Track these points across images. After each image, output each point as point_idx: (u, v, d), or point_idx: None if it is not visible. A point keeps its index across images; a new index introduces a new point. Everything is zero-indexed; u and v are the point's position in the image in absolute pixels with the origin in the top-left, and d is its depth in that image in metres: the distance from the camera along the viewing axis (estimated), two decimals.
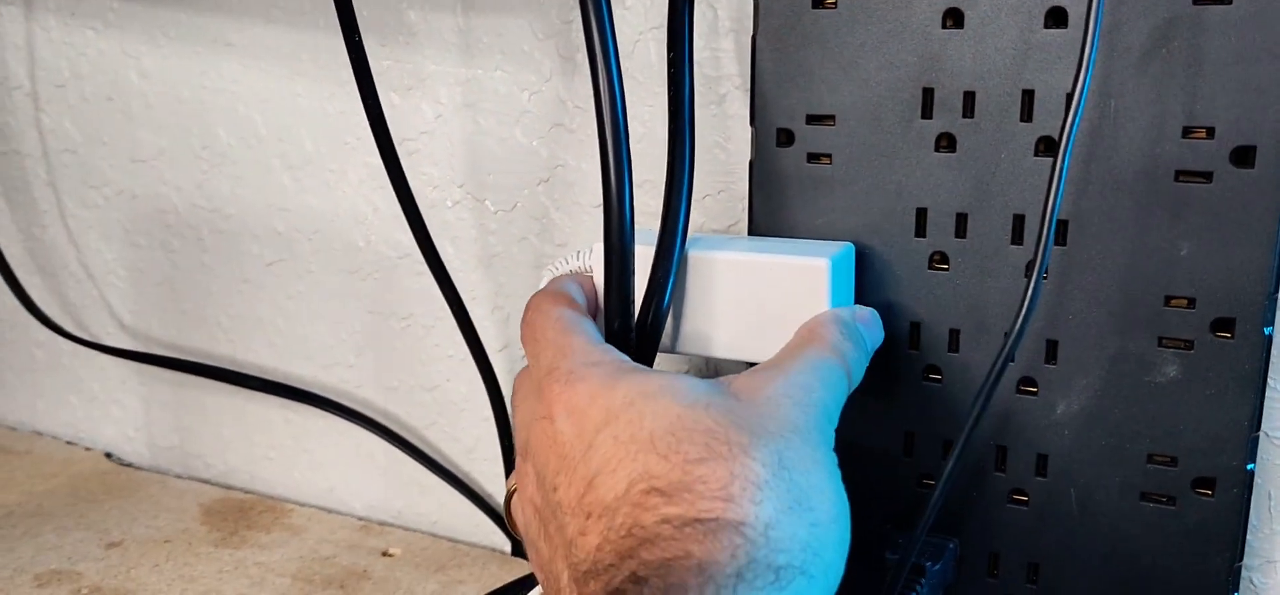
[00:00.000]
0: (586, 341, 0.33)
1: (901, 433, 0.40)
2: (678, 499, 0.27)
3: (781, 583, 0.26)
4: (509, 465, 0.53)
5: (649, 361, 0.37)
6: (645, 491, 0.27)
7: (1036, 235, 0.33)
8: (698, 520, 0.26)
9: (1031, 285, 0.33)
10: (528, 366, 0.35)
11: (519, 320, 0.51)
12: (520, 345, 0.52)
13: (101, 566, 0.54)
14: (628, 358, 0.33)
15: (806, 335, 0.34)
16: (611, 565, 0.27)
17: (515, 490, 0.35)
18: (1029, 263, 0.36)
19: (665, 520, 0.26)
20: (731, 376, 0.32)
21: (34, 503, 0.60)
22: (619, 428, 0.29)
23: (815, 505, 0.28)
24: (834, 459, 0.30)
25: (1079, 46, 0.32)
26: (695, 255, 0.37)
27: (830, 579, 0.28)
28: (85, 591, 0.51)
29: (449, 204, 0.51)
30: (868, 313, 0.37)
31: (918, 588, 0.39)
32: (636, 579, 0.26)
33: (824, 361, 0.33)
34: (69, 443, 0.69)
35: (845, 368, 0.33)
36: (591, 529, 0.28)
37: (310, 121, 0.54)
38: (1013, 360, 0.35)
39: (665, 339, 0.38)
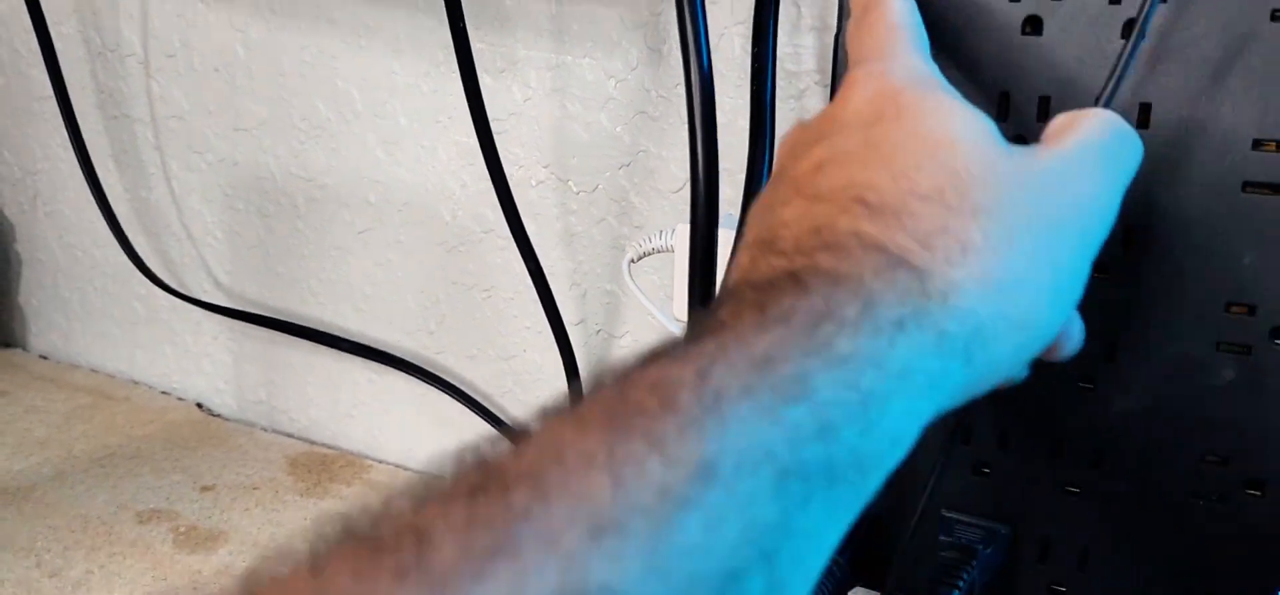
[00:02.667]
0: (915, 55, 0.30)
1: (951, 419, 0.42)
2: (878, 219, 0.24)
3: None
4: None
5: None
6: (855, 198, 0.25)
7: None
8: (883, 250, 0.24)
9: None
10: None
11: (594, 297, 0.54)
12: (593, 322, 0.54)
13: (196, 508, 0.57)
14: (943, 79, 0.29)
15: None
16: (783, 252, 0.24)
17: None
18: None
19: (856, 234, 0.24)
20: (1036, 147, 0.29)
21: (133, 446, 0.64)
22: (875, 131, 0.26)
23: (1010, 312, 0.25)
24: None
25: None
26: None
27: (983, 380, 0.25)
28: (183, 530, 0.55)
29: (533, 183, 0.54)
30: None
31: (967, 570, 0.41)
32: (796, 280, 0.23)
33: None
34: (163, 392, 0.73)
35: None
36: (793, 202, 0.26)
37: (405, 99, 0.57)
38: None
39: None
